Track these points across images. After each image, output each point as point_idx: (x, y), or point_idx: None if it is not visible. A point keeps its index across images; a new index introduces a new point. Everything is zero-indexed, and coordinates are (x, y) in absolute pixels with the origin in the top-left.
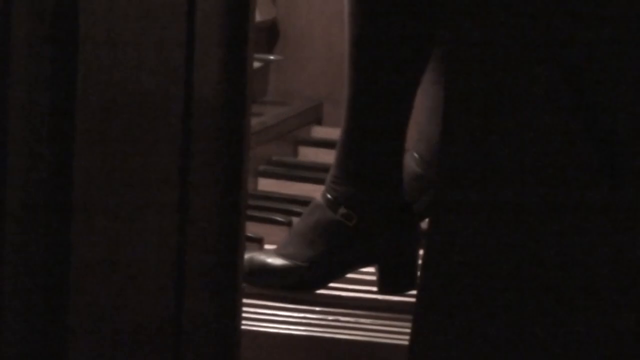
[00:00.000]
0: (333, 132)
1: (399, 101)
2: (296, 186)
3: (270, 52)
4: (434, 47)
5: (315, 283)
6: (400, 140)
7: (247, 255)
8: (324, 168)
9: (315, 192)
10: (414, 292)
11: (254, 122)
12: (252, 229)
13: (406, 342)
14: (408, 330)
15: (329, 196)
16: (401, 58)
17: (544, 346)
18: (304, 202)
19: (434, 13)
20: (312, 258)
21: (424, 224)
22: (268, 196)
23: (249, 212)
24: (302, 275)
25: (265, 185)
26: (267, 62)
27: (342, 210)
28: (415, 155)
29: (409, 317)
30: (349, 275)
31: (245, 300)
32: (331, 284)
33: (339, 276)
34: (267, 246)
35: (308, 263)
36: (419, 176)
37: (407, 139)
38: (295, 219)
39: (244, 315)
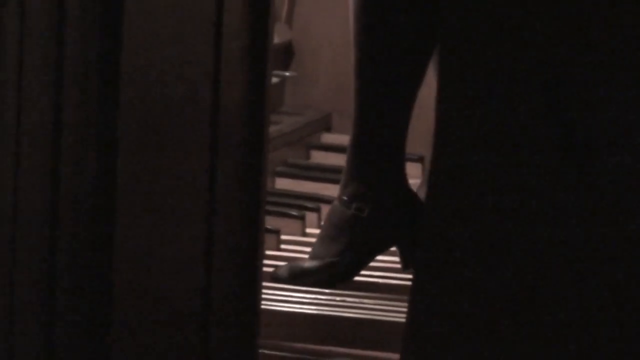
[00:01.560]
0: (340, 138)
1: (398, 109)
2: (308, 185)
3: (286, 69)
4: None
5: (349, 272)
6: (401, 139)
7: (286, 265)
8: (333, 169)
9: (324, 190)
10: (410, 275)
11: (272, 129)
12: (270, 222)
13: (404, 320)
14: (406, 309)
15: (343, 198)
16: (401, 72)
17: (530, 330)
18: (315, 198)
19: (433, 31)
20: (339, 252)
21: None
22: (284, 194)
23: (268, 207)
24: (335, 268)
25: (282, 184)
26: (284, 78)
27: (355, 205)
28: None
29: (407, 297)
30: None
31: (264, 283)
32: None
33: (367, 262)
34: (283, 237)
35: (338, 257)
36: None
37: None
38: (308, 214)
39: (263, 296)
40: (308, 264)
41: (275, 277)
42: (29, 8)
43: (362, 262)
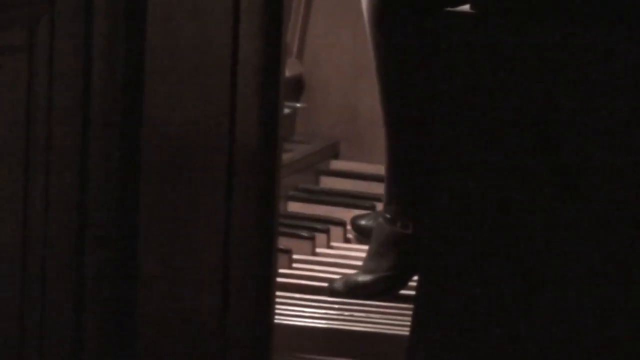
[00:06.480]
0: (348, 165)
1: (423, 144)
2: (318, 208)
3: (297, 100)
4: None
5: (397, 286)
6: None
7: (341, 279)
8: (341, 194)
9: (333, 213)
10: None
11: (284, 156)
12: (282, 242)
13: (407, 333)
14: (409, 323)
15: (387, 216)
16: (426, 113)
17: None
18: (324, 221)
19: None
20: (389, 267)
21: None
22: (295, 216)
23: (280, 229)
24: (387, 282)
25: (293, 207)
26: (295, 109)
27: (399, 223)
28: None
29: (411, 312)
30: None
31: (277, 300)
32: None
33: (413, 276)
34: (294, 256)
35: (389, 272)
36: None
37: None
38: (317, 235)
39: (277, 311)
40: (362, 278)
41: (331, 290)
42: (57, 50)
43: (409, 276)
